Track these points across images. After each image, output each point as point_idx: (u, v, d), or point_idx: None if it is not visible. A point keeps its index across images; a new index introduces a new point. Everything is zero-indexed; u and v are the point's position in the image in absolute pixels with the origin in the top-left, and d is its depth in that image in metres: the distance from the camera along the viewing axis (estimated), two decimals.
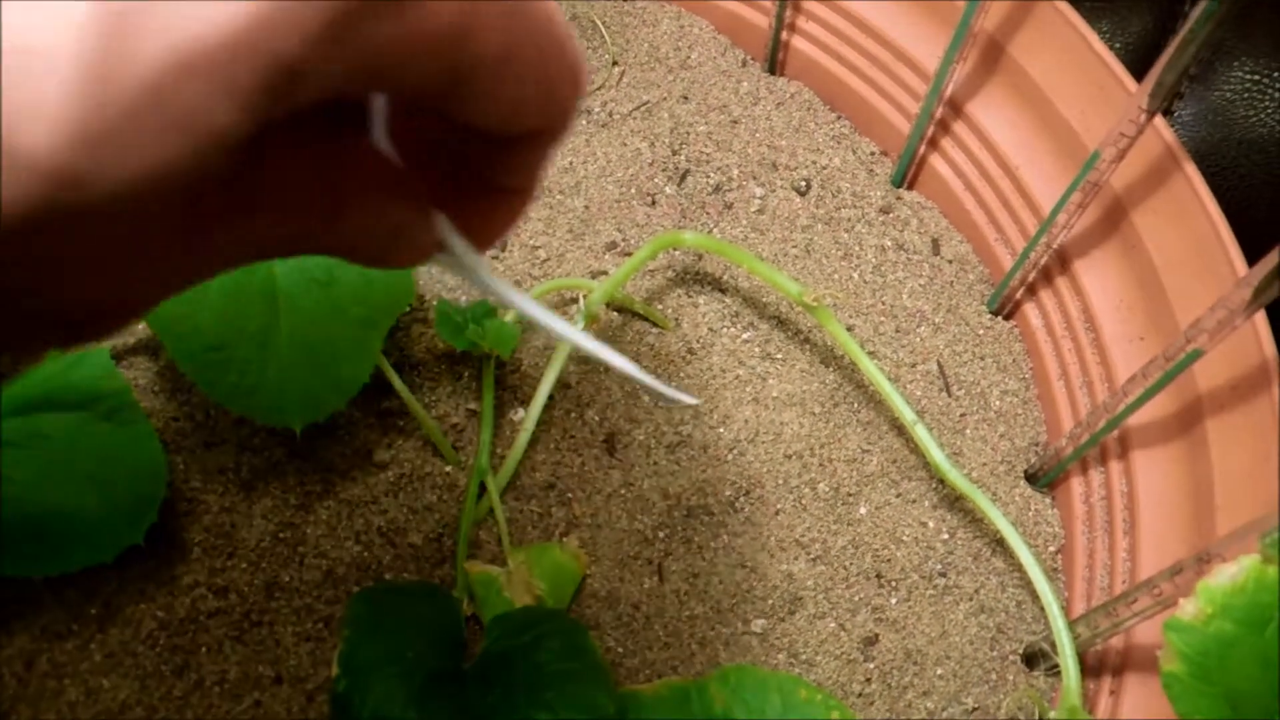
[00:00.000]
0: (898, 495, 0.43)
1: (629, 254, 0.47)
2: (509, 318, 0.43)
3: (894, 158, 0.51)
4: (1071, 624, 0.37)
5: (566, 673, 0.35)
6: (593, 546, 0.41)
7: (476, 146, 0.20)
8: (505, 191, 0.21)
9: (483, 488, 0.41)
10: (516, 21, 0.17)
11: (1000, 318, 0.47)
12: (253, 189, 0.17)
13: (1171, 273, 0.39)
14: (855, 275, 0.48)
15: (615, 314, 0.46)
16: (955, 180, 0.49)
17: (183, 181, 0.14)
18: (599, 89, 0.53)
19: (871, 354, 0.46)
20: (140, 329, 0.44)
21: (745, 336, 0.46)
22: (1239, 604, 0.27)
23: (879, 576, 0.41)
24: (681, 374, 0.45)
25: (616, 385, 0.44)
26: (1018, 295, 0.46)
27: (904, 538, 0.42)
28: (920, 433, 0.40)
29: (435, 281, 0.46)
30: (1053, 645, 0.37)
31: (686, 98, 0.53)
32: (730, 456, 0.43)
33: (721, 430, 0.44)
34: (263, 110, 0.14)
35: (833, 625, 0.40)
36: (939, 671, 0.39)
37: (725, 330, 0.46)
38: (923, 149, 0.49)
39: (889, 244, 0.49)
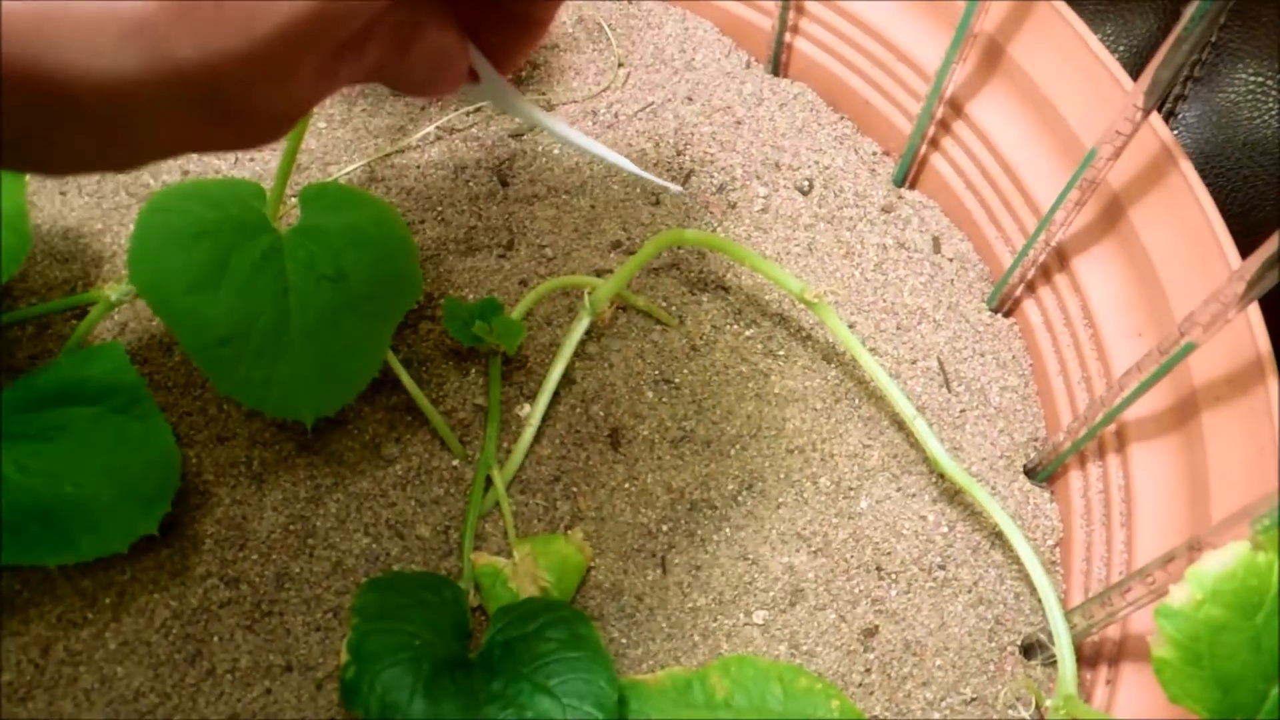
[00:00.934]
0: (898, 489, 0.43)
1: (633, 252, 0.48)
2: (516, 313, 0.43)
3: (895, 157, 0.52)
4: (1068, 614, 0.37)
5: (570, 661, 0.35)
6: (597, 539, 0.42)
7: None
8: (529, 21, 0.24)
9: (489, 481, 0.42)
10: None
11: (1000, 315, 0.48)
12: (370, 26, 0.20)
13: (1169, 268, 0.40)
14: (857, 273, 0.48)
15: (620, 311, 0.47)
16: (956, 179, 0.49)
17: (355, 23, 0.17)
18: (605, 91, 0.54)
19: (873, 350, 0.46)
20: (154, 325, 0.45)
21: (748, 333, 0.47)
22: (1229, 589, 0.27)
23: (879, 569, 0.42)
24: (685, 370, 0.45)
25: (620, 382, 0.45)
26: (1017, 292, 0.47)
27: (904, 531, 0.42)
28: (920, 428, 0.40)
29: (443, 279, 0.47)
30: (1050, 636, 0.38)
31: (691, 99, 0.54)
32: (733, 451, 0.44)
33: (724, 425, 0.44)
34: None
35: (833, 617, 0.41)
36: (938, 662, 0.40)
37: (728, 327, 0.47)
38: (924, 148, 0.50)
39: (890, 242, 0.49)
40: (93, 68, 0.15)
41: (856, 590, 0.41)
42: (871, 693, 0.39)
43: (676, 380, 0.45)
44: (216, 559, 0.40)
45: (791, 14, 0.52)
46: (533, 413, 0.43)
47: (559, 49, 0.56)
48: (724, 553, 0.42)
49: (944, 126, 0.49)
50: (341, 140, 0.51)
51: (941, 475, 0.43)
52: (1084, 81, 0.43)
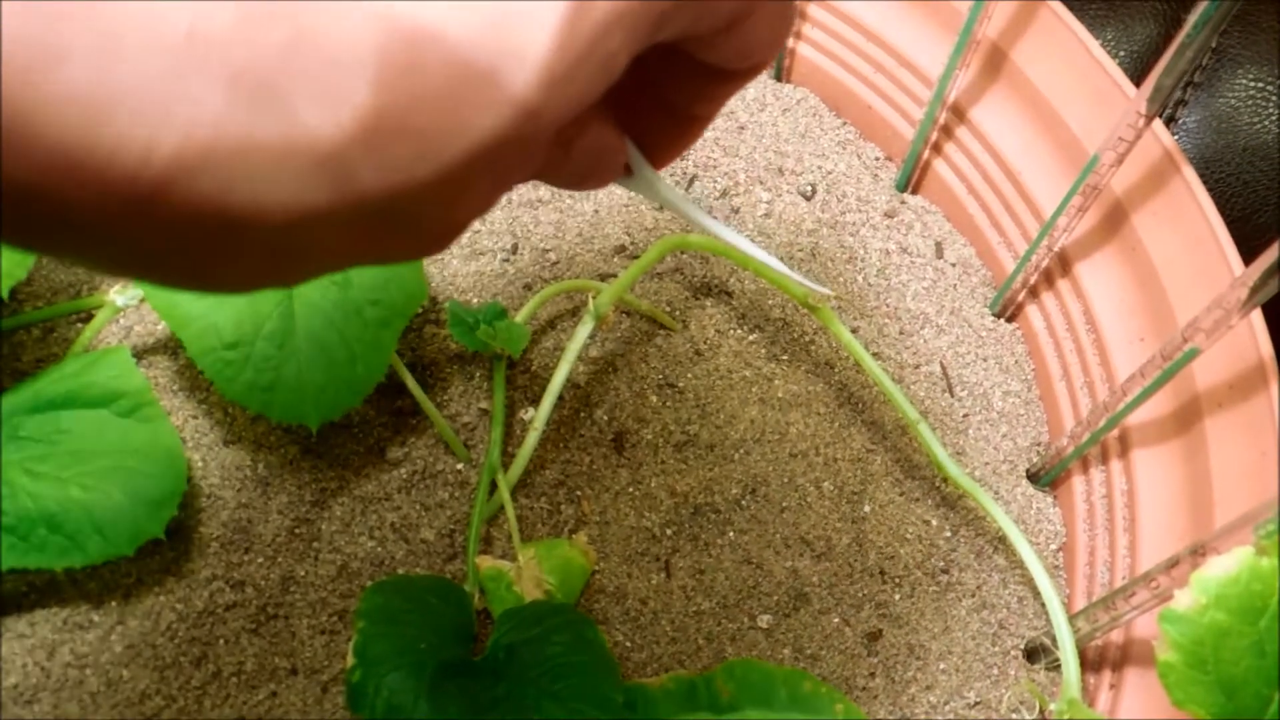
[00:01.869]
0: (901, 494, 0.43)
1: (637, 257, 0.48)
2: (520, 317, 0.44)
3: (898, 163, 0.52)
4: (1071, 619, 0.37)
5: (575, 665, 0.35)
6: (601, 543, 0.42)
7: (688, 80, 0.22)
8: (691, 119, 0.23)
9: (493, 485, 0.42)
10: None
11: (1002, 320, 0.48)
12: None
13: (1171, 274, 0.40)
14: (860, 278, 0.49)
15: (623, 315, 0.47)
16: (958, 184, 0.49)
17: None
18: None
19: (876, 355, 0.46)
20: (159, 328, 0.45)
21: (751, 338, 0.47)
22: (1233, 594, 0.27)
23: (883, 573, 0.42)
24: (688, 375, 0.45)
25: (624, 386, 0.45)
26: (1020, 297, 0.47)
27: (907, 535, 0.42)
28: (923, 432, 0.40)
29: (448, 283, 0.47)
30: (1053, 640, 0.38)
31: None
32: (737, 455, 0.44)
33: (728, 430, 0.44)
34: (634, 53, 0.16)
35: (837, 621, 0.41)
36: (941, 666, 0.40)
37: (732, 332, 0.47)
38: (926, 154, 0.50)
39: (893, 248, 0.50)
40: (278, 200, 0.14)
41: (860, 594, 0.41)
42: (875, 697, 0.39)
43: (680, 384, 0.45)
44: (222, 562, 0.40)
45: (795, 19, 0.53)
46: (537, 417, 0.43)
47: None
48: (728, 557, 0.42)
49: (947, 132, 0.49)
50: None
51: (945, 480, 0.43)
52: (1086, 87, 0.43)
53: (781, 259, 0.49)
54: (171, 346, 0.45)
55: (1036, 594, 0.41)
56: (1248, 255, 0.37)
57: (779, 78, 0.55)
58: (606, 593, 0.41)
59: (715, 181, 0.51)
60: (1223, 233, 0.38)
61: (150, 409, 0.40)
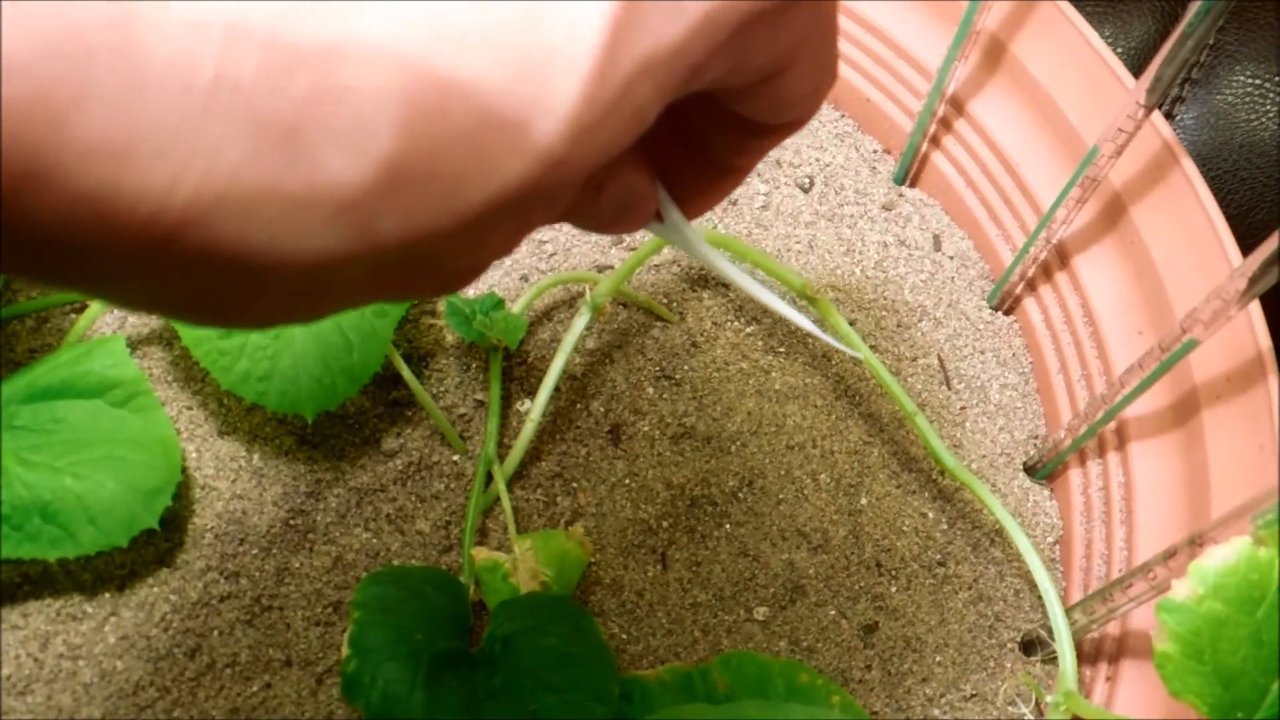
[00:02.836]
0: (898, 486, 0.43)
1: (635, 248, 0.48)
2: (517, 308, 0.43)
3: (896, 155, 0.52)
4: (1068, 611, 0.37)
5: (571, 657, 0.35)
6: (597, 535, 0.42)
7: (725, 131, 0.21)
8: (727, 170, 0.23)
9: (489, 476, 0.42)
10: (824, 15, 0.18)
11: (1000, 313, 0.48)
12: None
13: (1170, 267, 0.40)
14: (858, 271, 0.49)
15: (621, 307, 0.47)
16: (957, 177, 0.49)
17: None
18: None
19: (873, 348, 0.46)
20: (154, 319, 0.45)
21: (749, 330, 0.47)
22: (1231, 584, 0.27)
23: (879, 565, 0.42)
24: (686, 366, 0.45)
25: (621, 378, 0.45)
26: (1017, 290, 0.47)
27: (904, 528, 0.42)
28: (920, 424, 0.40)
29: None
30: (1050, 632, 0.38)
31: None
32: (733, 448, 0.44)
33: (725, 422, 0.44)
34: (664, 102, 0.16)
35: (833, 613, 0.41)
36: (938, 659, 0.40)
37: (729, 324, 0.47)
38: (925, 146, 0.50)
39: (891, 240, 0.49)
40: (299, 245, 0.14)
41: (857, 587, 0.41)
42: (871, 689, 0.39)
43: (677, 376, 0.45)
44: (216, 553, 0.40)
45: None
46: (533, 408, 0.43)
47: None
48: (724, 549, 0.42)
49: (945, 124, 0.49)
50: None
51: (942, 472, 0.43)
52: (1086, 79, 0.43)
53: (779, 250, 0.49)
54: (166, 336, 0.44)
55: (1033, 586, 0.41)
56: (1245, 252, 0.37)
57: None
58: (603, 584, 0.41)
59: None
60: (1221, 225, 0.38)
61: (145, 399, 0.39)
